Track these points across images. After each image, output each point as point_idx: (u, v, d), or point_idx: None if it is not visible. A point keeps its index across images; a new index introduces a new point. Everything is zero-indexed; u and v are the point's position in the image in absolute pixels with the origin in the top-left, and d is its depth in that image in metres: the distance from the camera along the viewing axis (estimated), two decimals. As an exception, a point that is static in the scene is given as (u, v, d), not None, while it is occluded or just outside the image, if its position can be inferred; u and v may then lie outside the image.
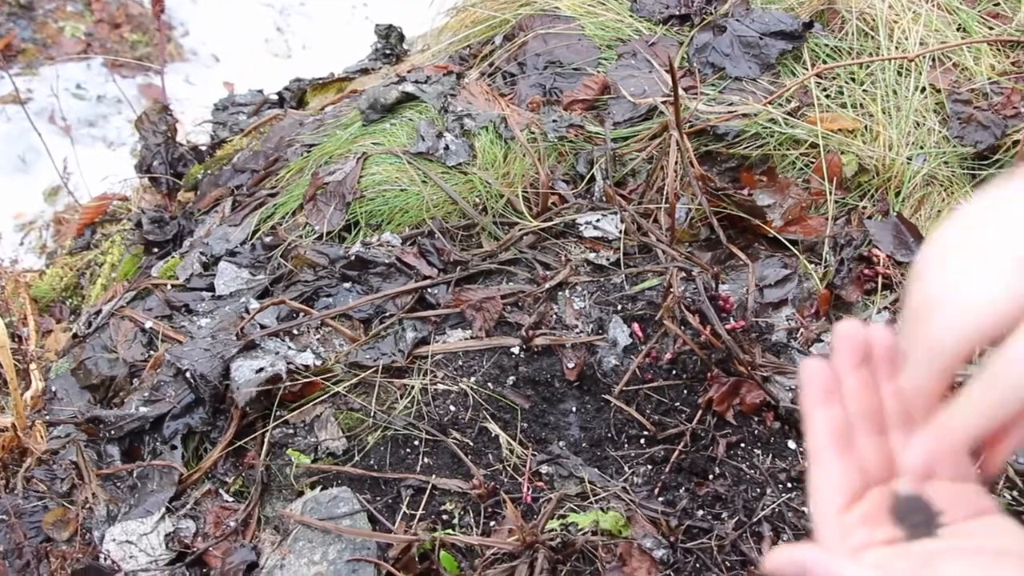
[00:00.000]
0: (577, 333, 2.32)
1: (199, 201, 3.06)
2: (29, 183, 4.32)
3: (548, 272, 2.43)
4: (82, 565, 2.13)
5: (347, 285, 2.48)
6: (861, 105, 2.61)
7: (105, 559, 2.16)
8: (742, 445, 2.17)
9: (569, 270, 2.42)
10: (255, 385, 2.27)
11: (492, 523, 2.11)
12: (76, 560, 2.12)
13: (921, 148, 2.53)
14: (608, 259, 2.46)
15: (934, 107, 2.60)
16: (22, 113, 4.05)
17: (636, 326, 2.31)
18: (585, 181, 2.62)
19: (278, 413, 2.28)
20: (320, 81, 3.50)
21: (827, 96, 2.64)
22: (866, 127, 2.57)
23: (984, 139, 2.52)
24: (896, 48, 2.66)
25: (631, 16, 2.99)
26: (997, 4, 2.85)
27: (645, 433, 2.20)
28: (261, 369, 2.30)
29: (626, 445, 2.20)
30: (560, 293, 2.40)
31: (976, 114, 2.56)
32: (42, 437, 2.43)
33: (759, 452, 2.15)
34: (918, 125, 2.56)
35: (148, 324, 2.54)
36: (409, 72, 2.98)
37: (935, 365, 0.81)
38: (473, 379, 2.27)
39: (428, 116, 2.77)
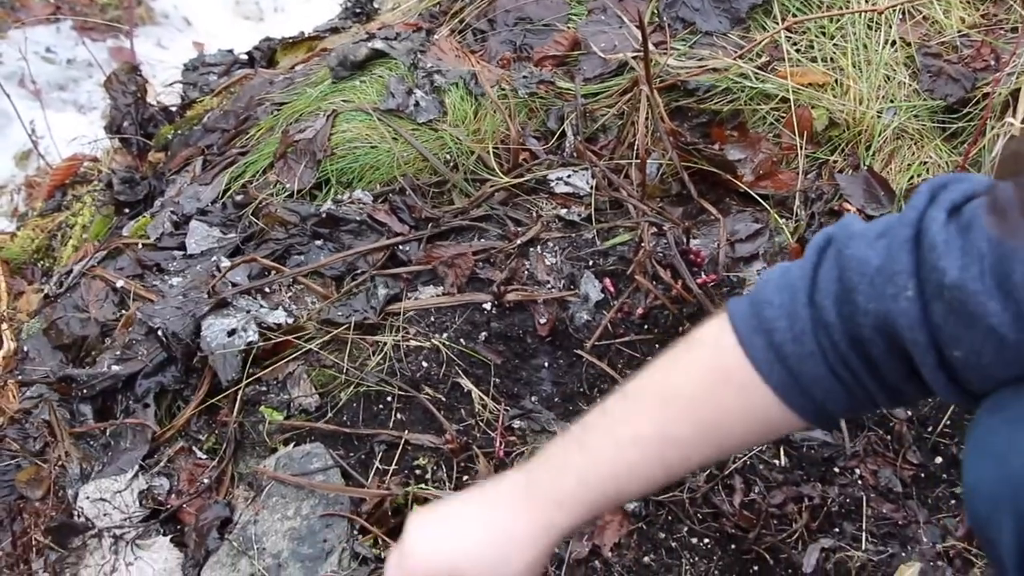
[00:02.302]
0: (549, 289, 2.32)
1: (170, 161, 3.04)
2: (-1, 148, 4.28)
3: (519, 228, 2.43)
4: (56, 522, 2.13)
5: (319, 243, 2.48)
6: (831, 59, 2.61)
7: (79, 516, 2.16)
8: (713, 398, 2.18)
9: (540, 226, 2.42)
10: (234, 356, 2.27)
11: (465, 478, 2.12)
12: (50, 518, 2.13)
13: (891, 102, 2.54)
14: (579, 215, 2.46)
15: (904, 60, 2.60)
16: (-9, 77, 4.02)
17: (608, 281, 2.31)
18: (556, 137, 2.62)
19: (251, 371, 2.28)
20: (290, 40, 3.48)
21: (797, 50, 2.64)
22: (836, 81, 2.57)
23: (954, 92, 2.53)
24: (866, 1, 2.65)
25: (602, -28, 2.97)
26: (967, -42, 2.86)
27: (617, 387, 2.21)
28: (233, 331, 2.29)
29: (598, 400, 2.20)
30: (531, 249, 2.40)
31: (946, 67, 2.56)
32: (14, 397, 2.42)
33: (730, 405, 2.17)
34: (888, 79, 2.56)
35: (119, 283, 2.53)
36: (379, 29, 2.96)
37: None
38: (445, 335, 2.27)
39: (398, 73, 2.75)
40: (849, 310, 1.12)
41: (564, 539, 1.27)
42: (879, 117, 2.51)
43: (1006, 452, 1.02)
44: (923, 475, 2.08)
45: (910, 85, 2.57)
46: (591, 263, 2.35)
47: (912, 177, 2.44)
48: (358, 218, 2.47)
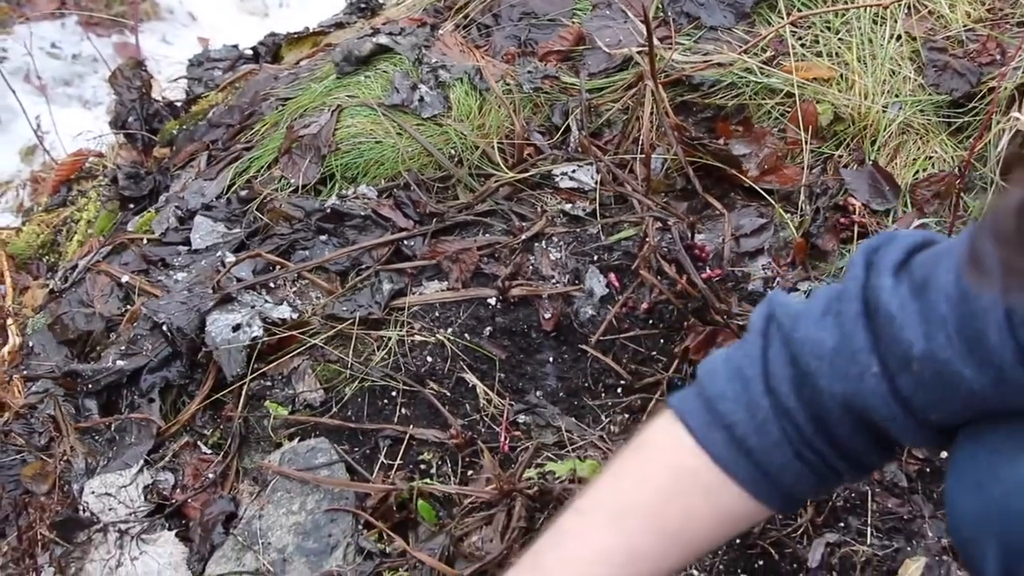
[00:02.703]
0: (553, 284, 2.32)
1: (174, 156, 3.05)
2: (5, 143, 4.27)
3: (524, 223, 2.43)
4: (61, 517, 2.13)
5: (323, 238, 2.48)
6: (837, 54, 2.61)
7: (84, 511, 2.16)
8: (718, 393, 2.17)
9: (545, 221, 2.42)
10: (240, 352, 2.27)
11: (470, 472, 2.12)
12: (56, 512, 2.13)
13: (897, 96, 2.54)
14: (584, 210, 2.46)
15: (910, 55, 2.60)
16: (-3, 72, 4.01)
17: (612, 276, 2.31)
18: (560, 132, 2.62)
19: (256, 366, 2.28)
20: (295, 35, 3.48)
21: (802, 45, 2.64)
22: (842, 76, 2.57)
23: (959, 87, 2.52)
24: (871, -4, 2.65)
25: (607, -33, 2.97)
26: (973, -48, 2.85)
27: (622, 382, 2.22)
28: (238, 326, 2.29)
29: (603, 394, 2.22)
30: (536, 244, 2.40)
31: (951, 62, 2.55)
32: (20, 392, 2.42)
33: (735, 399, 2.16)
34: (893, 73, 2.56)
35: (124, 278, 2.53)
36: (383, 24, 2.97)
37: None
38: (450, 330, 2.27)
39: (402, 68, 2.75)
40: (809, 394, 1.10)
41: None
42: (884, 112, 2.51)
43: (986, 480, 1.02)
44: (928, 470, 2.08)
45: (915, 80, 2.57)
46: (596, 258, 2.35)
47: (917, 172, 2.44)
48: (363, 213, 2.47)
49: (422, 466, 2.13)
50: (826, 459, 1.13)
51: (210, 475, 2.21)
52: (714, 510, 1.17)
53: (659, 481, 1.19)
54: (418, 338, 2.27)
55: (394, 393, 2.22)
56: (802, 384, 1.10)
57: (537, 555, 1.22)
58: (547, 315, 2.27)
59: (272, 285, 2.40)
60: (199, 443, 2.28)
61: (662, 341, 2.24)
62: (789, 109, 2.55)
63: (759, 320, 1.17)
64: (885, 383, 1.05)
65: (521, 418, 2.18)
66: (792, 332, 1.11)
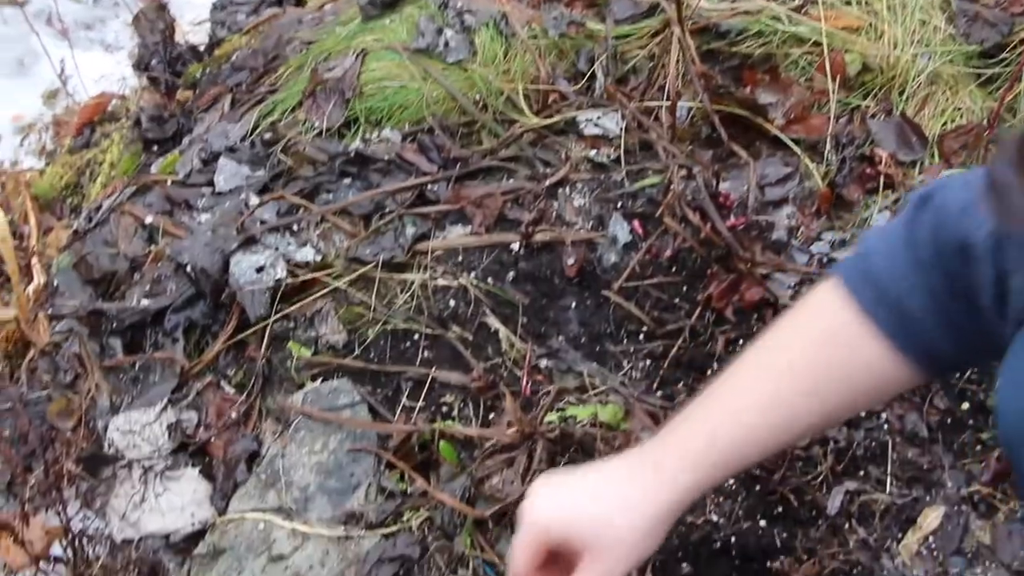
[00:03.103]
0: (577, 230, 2.32)
1: (198, 99, 3.04)
2: (28, 86, 4.28)
3: (548, 169, 2.42)
4: (87, 452, 2.15)
5: (347, 181, 2.48)
6: (866, 2, 2.58)
7: (109, 448, 2.19)
8: (741, 341, 2.18)
9: (569, 167, 2.41)
10: (263, 293, 2.28)
11: (491, 415, 2.13)
12: (81, 448, 2.15)
13: (926, 46, 2.51)
14: (608, 157, 2.45)
15: (940, 4, 2.57)
16: (20, 16, 4.01)
17: (636, 223, 2.31)
18: (586, 79, 2.60)
19: (279, 307, 2.29)
20: (320, -21, 3.47)
21: (832, -6, 2.62)
22: (871, 25, 2.55)
23: (990, 37, 2.50)
24: (902, -56, 2.63)
25: (635, -87, 2.94)
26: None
27: (644, 329, 2.22)
28: (261, 268, 2.30)
29: (625, 340, 2.22)
30: (560, 190, 2.40)
31: (983, 11, 2.53)
32: (45, 330, 2.44)
33: (757, 348, 2.17)
34: (924, 23, 2.53)
35: (148, 219, 2.54)
36: (410, -31, 2.95)
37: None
38: (473, 275, 2.27)
39: (428, 12, 2.74)
40: (940, 244, 1.12)
41: (680, 512, 1.26)
42: (913, 62, 2.48)
43: None
44: (949, 421, 2.08)
45: (945, 29, 2.54)
46: (620, 205, 2.35)
47: (945, 123, 2.42)
48: (387, 157, 2.47)
49: (444, 408, 2.14)
50: (957, 317, 1.15)
51: (233, 414, 2.23)
52: (857, 365, 1.20)
53: (809, 334, 1.23)
54: (441, 282, 2.27)
55: (417, 336, 2.23)
56: (936, 237, 1.13)
57: (695, 405, 1.29)
58: (570, 261, 2.27)
59: (296, 227, 2.41)
60: (222, 383, 2.30)
61: (685, 288, 2.24)
62: (817, 58, 2.53)
63: (917, 193, 1.20)
64: (993, 239, 1.07)
65: (543, 362, 2.18)
66: (937, 195, 1.15)
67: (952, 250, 1.11)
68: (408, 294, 2.26)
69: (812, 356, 1.22)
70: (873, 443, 2.04)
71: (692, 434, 1.27)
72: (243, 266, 2.31)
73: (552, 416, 2.07)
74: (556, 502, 1.30)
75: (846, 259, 1.24)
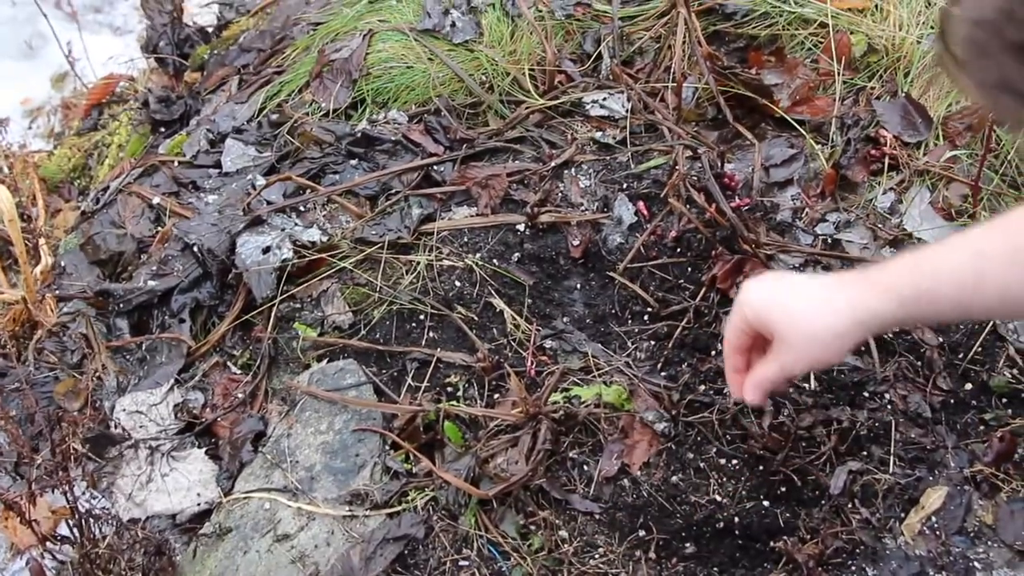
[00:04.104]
0: (582, 211, 2.32)
1: (205, 80, 3.05)
2: (36, 68, 4.29)
3: (554, 150, 2.43)
4: (94, 433, 2.16)
5: (353, 162, 2.48)
6: (872, -17, 2.58)
7: (116, 428, 2.20)
8: (745, 322, 2.18)
9: (575, 148, 2.42)
10: (270, 274, 2.28)
11: (496, 396, 2.14)
12: (88, 428, 2.16)
13: (931, 28, 2.51)
14: (614, 138, 2.45)
15: (946, -14, 2.56)
16: (29, -1, 4.01)
17: (641, 204, 2.31)
18: (592, 60, 2.61)
19: (285, 288, 2.30)
20: (327, -39, 3.47)
21: (838, -25, 2.61)
22: (876, 6, 2.54)
23: (996, 19, 2.49)
24: (909, -75, 2.62)
25: None
26: None
27: (648, 309, 2.22)
28: (268, 248, 2.31)
29: (630, 321, 2.22)
30: (566, 171, 2.40)
31: (988, -7, 2.52)
32: (52, 311, 2.45)
33: (761, 329, 2.17)
34: (929, 4, 2.53)
35: (155, 200, 2.55)
36: (416, -50, 2.95)
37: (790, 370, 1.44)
38: (478, 255, 2.28)
39: (435, -7, 2.74)
40: None
41: (873, 333, 1.42)
42: (919, 43, 2.48)
43: None
44: (952, 401, 2.08)
45: (951, 11, 2.53)
46: (625, 186, 2.35)
47: (950, 104, 2.42)
48: (393, 138, 2.48)
49: (449, 388, 2.15)
50: None
51: (239, 395, 2.24)
52: None
53: (1019, 214, 1.31)
54: (447, 263, 2.28)
55: (422, 317, 2.23)
56: None
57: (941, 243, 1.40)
58: (575, 242, 2.27)
59: (302, 208, 2.42)
60: (229, 363, 2.31)
61: (689, 269, 2.24)
62: (822, 40, 2.53)
63: None
64: None
65: (548, 343, 2.19)
66: None
67: None
68: (414, 275, 2.27)
69: (1018, 232, 1.28)
70: (876, 423, 2.05)
71: (900, 271, 1.37)
72: (249, 247, 2.32)
73: (556, 396, 2.08)
74: (765, 291, 1.46)
75: None
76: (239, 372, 2.29)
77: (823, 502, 1.97)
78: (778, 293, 1.45)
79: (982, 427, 2.06)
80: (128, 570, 1.96)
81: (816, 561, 1.88)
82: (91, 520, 2.01)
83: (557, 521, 1.95)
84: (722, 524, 1.96)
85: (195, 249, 2.35)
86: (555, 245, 2.29)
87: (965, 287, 1.32)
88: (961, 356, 2.11)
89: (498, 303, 2.22)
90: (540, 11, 2.66)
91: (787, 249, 2.22)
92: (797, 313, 1.42)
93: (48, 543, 2.07)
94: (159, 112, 3.02)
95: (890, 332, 2.13)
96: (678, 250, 2.26)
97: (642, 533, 1.95)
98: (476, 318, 2.22)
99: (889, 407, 2.07)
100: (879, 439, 2.04)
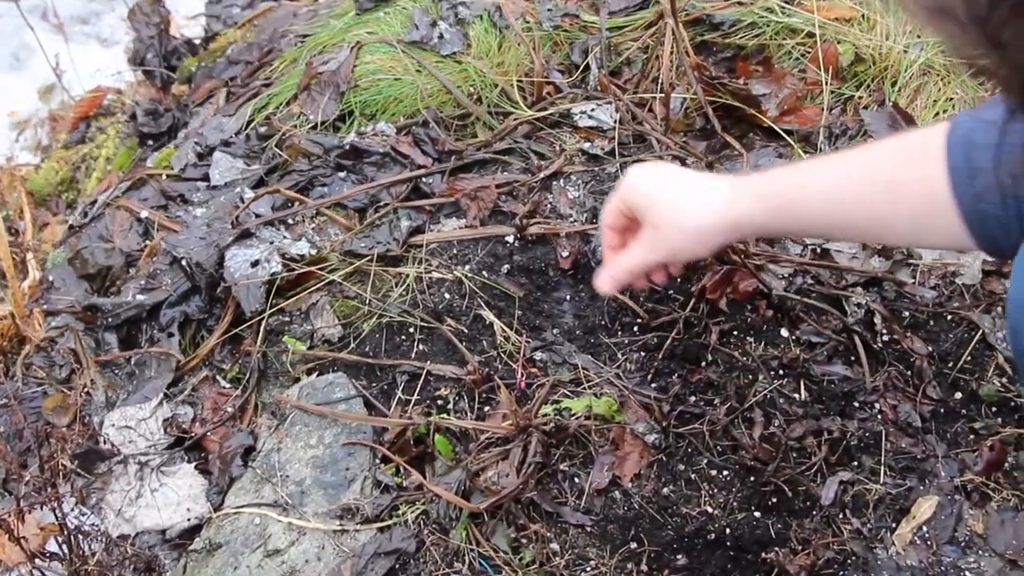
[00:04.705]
0: (571, 222, 2.32)
1: (193, 93, 3.05)
2: (23, 81, 4.27)
3: (542, 162, 2.43)
4: (83, 448, 2.15)
5: (342, 174, 2.48)
6: (858, -7, 2.59)
7: (105, 443, 2.19)
8: (735, 332, 2.18)
9: (563, 160, 2.42)
10: (258, 287, 2.28)
11: (487, 408, 2.13)
12: (77, 444, 2.15)
13: (918, 37, 2.51)
14: (603, 149, 2.45)
15: (932, -5, 2.57)
16: (15, 10, 4.00)
17: (630, 215, 2.31)
18: (580, 71, 2.61)
19: (274, 301, 2.29)
20: (314, -28, 3.47)
21: (825, -16, 2.62)
22: (863, 16, 2.55)
23: (982, 28, 2.50)
24: (895, -66, 2.63)
25: (628, -96, 2.94)
26: None
27: (638, 321, 2.22)
28: (256, 262, 2.30)
29: (619, 332, 2.22)
30: (554, 182, 2.40)
31: (975, 2, 2.53)
32: (40, 325, 2.44)
33: (751, 339, 2.17)
34: (916, 14, 2.53)
35: (144, 214, 2.55)
36: (403, -39, 2.95)
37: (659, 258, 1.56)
38: (468, 267, 2.28)
39: (422, 4, 2.74)
40: None
41: (736, 237, 1.55)
42: (905, 52, 2.49)
43: None
44: (942, 410, 2.09)
45: (938, 20, 2.54)
46: (614, 197, 2.35)
47: (937, 113, 2.43)
48: (381, 150, 2.48)
49: (439, 401, 2.14)
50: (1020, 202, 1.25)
51: (229, 409, 2.23)
52: (920, 186, 1.32)
53: (893, 144, 1.40)
54: (436, 275, 2.27)
55: (412, 329, 2.23)
56: None
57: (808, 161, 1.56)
58: (565, 253, 2.27)
59: (291, 221, 2.41)
60: (218, 377, 2.30)
61: (679, 280, 2.24)
62: (810, 49, 2.54)
63: None
64: None
65: (538, 355, 2.19)
66: None
67: None
68: (403, 287, 2.27)
69: (891, 162, 1.37)
70: (867, 433, 2.05)
71: (770, 179, 1.46)
72: (238, 260, 2.31)
73: (547, 409, 2.08)
74: (647, 176, 1.53)
75: (965, 114, 1.34)
76: (228, 386, 2.28)
77: (814, 513, 1.97)
78: (659, 180, 1.52)
79: (972, 436, 2.06)
80: (118, 586, 1.95)
81: (808, 572, 1.87)
82: (80, 536, 2.00)
83: (548, 534, 1.95)
84: (713, 536, 1.95)
85: (183, 263, 2.34)
86: (544, 257, 2.29)
87: (831, 207, 1.40)
88: (951, 365, 2.12)
89: (488, 315, 2.22)
90: (528, 22, 2.66)
91: (776, 259, 2.22)
92: (672, 201, 1.49)
93: (37, 560, 2.06)
94: (147, 125, 3.01)
95: (878, 342, 2.13)
96: (667, 261, 2.26)
97: (633, 545, 1.95)
98: (466, 330, 2.22)
99: (879, 417, 2.07)
100: (869, 449, 2.04)
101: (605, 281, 1.62)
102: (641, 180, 1.53)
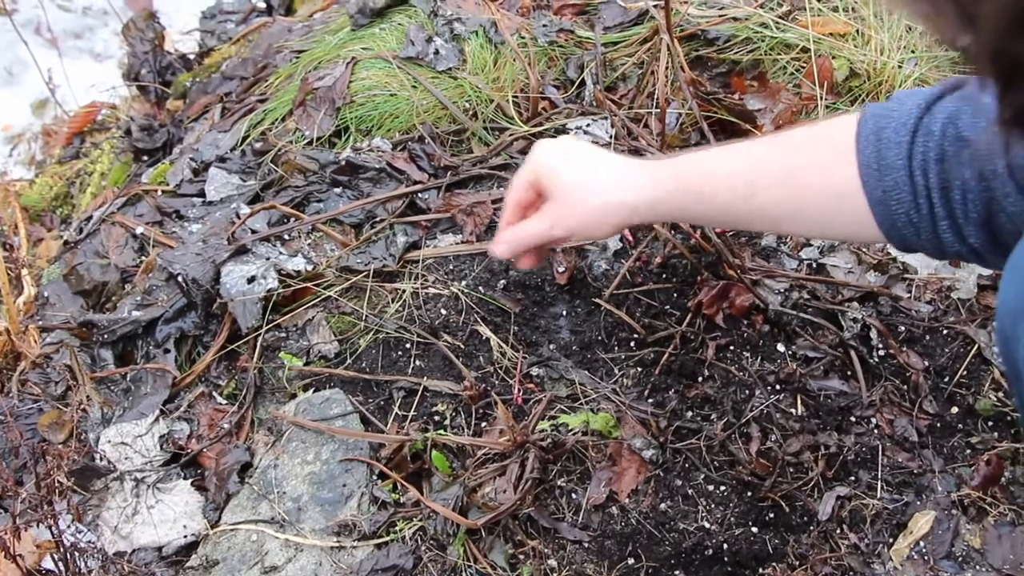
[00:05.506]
0: (567, 237, 2.32)
1: (188, 109, 3.05)
2: (16, 95, 4.28)
3: (538, 177, 2.43)
4: (79, 465, 2.15)
5: (337, 190, 2.48)
6: (853, 8, 2.60)
7: (101, 460, 2.18)
8: (731, 348, 2.19)
9: (559, 175, 2.42)
10: (255, 303, 2.28)
11: (483, 424, 2.13)
12: (73, 461, 2.14)
13: (912, 52, 2.52)
14: (598, 164, 2.45)
15: (926, 11, 2.58)
16: (8, 25, 4.00)
17: (626, 230, 2.31)
18: (575, 86, 2.61)
19: (270, 317, 2.29)
20: (309, -12, 3.48)
21: (818, 0, 2.63)
22: (858, 31, 2.56)
23: (976, 43, 2.51)
24: (889, -50, 2.64)
25: (622, -80, 2.95)
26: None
27: (635, 336, 2.22)
28: (253, 278, 2.30)
29: (616, 348, 2.22)
30: (550, 198, 2.40)
31: (968, 18, 2.54)
32: (35, 342, 2.44)
33: (748, 354, 2.17)
34: (910, 29, 2.55)
35: (139, 230, 2.54)
36: (398, -23, 2.96)
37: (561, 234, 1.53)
38: (464, 283, 2.28)
39: (417, 20, 2.75)
40: (953, 131, 1.21)
41: (637, 221, 1.51)
42: (900, 68, 2.50)
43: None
44: (939, 425, 2.09)
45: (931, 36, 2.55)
46: (610, 212, 2.35)
47: (932, 128, 2.43)
48: (377, 166, 2.48)
49: (436, 417, 2.14)
50: (929, 194, 1.25)
51: (225, 425, 2.23)
52: (828, 178, 1.33)
53: (802, 134, 1.40)
54: (432, 290, 2.28)
55: (408, 345, 2.23)
56: (951, 122, 1.23)
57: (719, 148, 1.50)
58: (561, 269, 2.27)
59: (287, 237, 2.41)
60: (214, 393, 2.30)
61: (675, 295, 2.25)
62: (804, 64, 2.55)
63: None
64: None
65: (534, 371, 2.19)
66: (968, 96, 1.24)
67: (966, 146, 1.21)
68: (399, 303, 2.27)
69: (803, 143, 1.37)
70: (863, 448, 2.05)
71: (677, 163, 1.46)
72: (234, 276, 2.31)
73: (544, 424, 2.08)
74: (556, 150, 1.53)
75: (875, 105, 1.33)
76: (225, 402, 2.28)
77: (811, 528, 1.98)
78: (567, 155, 1.52)
79: (969, 451, 2.07)
80: (114, 604, 1.95)
81: (806, 588, 1.88)
82: (77, 554, 1.99)
83: (546, 550, 1.95)
84: (711, 551, 1.95)
85: (179, 279, 2.34)
86: (540, 272, 2.29)
87: (735, 195, 1.38)
88: (947, 380, 2.12)
89: (484, 331, 2.22)
90: (523, 38, 2.66)
91: (772, 274, 2.23)
92: (577, 178, 1.49)
93: (33, 577, 2.06)
94: (141, 140, 3.01)
95: (875, 357, 2.14)
96: (664, 276, 2.27)
97: (631, 561, 1.95)
98: (462, 346, 2.22)
99: (876, 431, 2.07)
100: (866, 464, 2.04)
101: (500, 245, 1.58)
102: (549, 153, 1.53)
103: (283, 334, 2.29)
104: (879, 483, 2.02)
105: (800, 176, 1.35)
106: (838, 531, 1.97)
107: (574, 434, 2.05)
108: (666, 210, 1.47)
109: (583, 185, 1.48)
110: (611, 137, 2.48)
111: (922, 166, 1.23)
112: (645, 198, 1.45)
